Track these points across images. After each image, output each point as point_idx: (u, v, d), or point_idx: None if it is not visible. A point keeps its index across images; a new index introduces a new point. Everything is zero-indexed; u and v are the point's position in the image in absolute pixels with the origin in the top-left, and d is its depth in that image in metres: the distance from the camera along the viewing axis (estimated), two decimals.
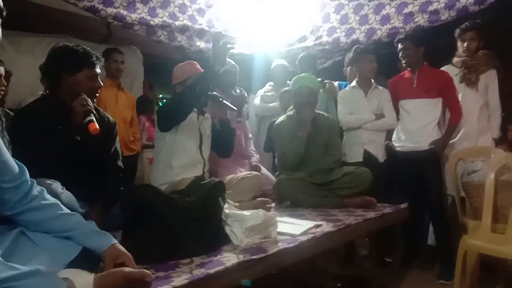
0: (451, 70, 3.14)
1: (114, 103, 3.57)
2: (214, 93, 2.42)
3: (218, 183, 1.79)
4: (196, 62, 2.51)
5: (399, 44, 3.08)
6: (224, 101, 2.42)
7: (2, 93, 2.57)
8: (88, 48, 1.92)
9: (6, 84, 2.59)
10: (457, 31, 3.10)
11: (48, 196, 1.27)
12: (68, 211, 1.28)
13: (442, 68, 3.19)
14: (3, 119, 2.51)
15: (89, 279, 1.07)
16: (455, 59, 3.17)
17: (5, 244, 1.10)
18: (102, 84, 1.97)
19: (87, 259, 1.22)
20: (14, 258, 1.05)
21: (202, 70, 2.37)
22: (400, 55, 3.08)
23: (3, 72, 2.51)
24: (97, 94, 1.95)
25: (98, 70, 1.92)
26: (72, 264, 1.16)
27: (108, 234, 1.28)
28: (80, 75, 1.86)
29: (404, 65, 3.11)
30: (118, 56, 3.60)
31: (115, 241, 1.26)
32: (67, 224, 1.24)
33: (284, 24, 4.23)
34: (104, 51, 3.50)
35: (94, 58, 1.90)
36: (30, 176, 1.27)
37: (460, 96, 3.08)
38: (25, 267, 0.91)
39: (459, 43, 3.11)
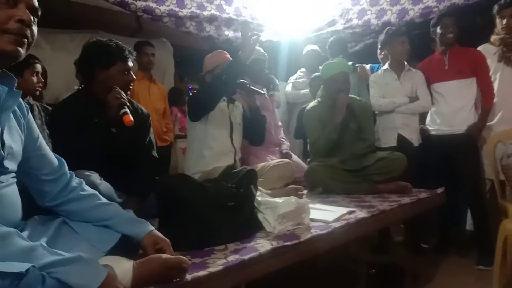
0: (489, 49, 3.01)
1: (146, 95, 3.65)
2: (241, 80, 2.43)
3: (250, 171, 1.81)
4: (225, 52, 2.52)
5: (444, 20, 2.96)
6: (251, 87, 2.42)
7: (40, 89, 2.69)
8: (120, 43, 1.95)
9: (43, 80, 2.70)
10: (496, 7, 2.95)
11: (86, 187, 1.33)
12: (106, 201, 1.34)
13: (479, 47, 3.06)
14: (42, 113, 2.63)
15: (129, 265, 1.11)
16: (493, 37, 3.02)
17: (49, 233, 1.16)
18: (134, 77, 2.00)
19: (126, 247, 1.26)
20: (57, 246, 1.10)
21: (231, 59, 2.38)
22: (443, 31, 2.94)
23: (40, 70, 2.61)
24: (130, 87, 1.98)
25: (130, 63, 1.95)
26: (112, 252, 1.20)
27: (146, 222, 1.32)
28: (113, 69, 1.89)
29: (448, 41, 2.95)
30: (149, 49, 3.67)
31: (152, 228, 1.30)
32: (105, 213, 1.29)
33: (312, 8, 4.16)
34: (135, 44, 3.57)
35: (127, 52, 1.93)
36: (69, 168, 1.33)
37: (498, 76, 2.96)
38: (68, 253, 0.95)
39: (498, 20, 2.95)
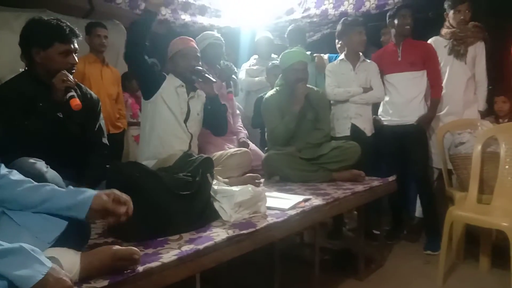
0: (440, 41, 3.11)
1: (98, 78, 3.49)
2: (198, 67, 2.37)
3: (206, 159, 1.77)
4: (190, 38, 2.45)
5: (402, 11, 3.01)
6: (206, 74, 2.37)
7: None
8: (64, 22, 1.81)
9: None
10: (450, 2, 3.04)
11: (18, 174, 1.21)
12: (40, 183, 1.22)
13: (430, 40, 3.16)
14: None
15: (76, 257, 1.05)
16: (444, 31, 3.13)
17: None
18: (77, 60, 1.85)
19: (74, 237, 1.19)
20: None
21: (194, 46, 2.40)
22: (401, 22, 2.99)
23: None
24: (73, 71, 1.85)
25: (73, 45, 1.81)
26: (59, 242, 1.12)
27: (86, 189, 1.21)
28: (51, 50, 1.75)
29: (405, 32, 3.02)
30: (101, 31, 3.49)
31: (95, 191, 1.20)
32: (41, 194, 1.17)
33: None
34: (86, 25, 3.40)
35: (68, 32, 1.78)
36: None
37: (448, 69, 3.07)
38: (7, 244, 0.88)
39: (452, 15, 3.04)
